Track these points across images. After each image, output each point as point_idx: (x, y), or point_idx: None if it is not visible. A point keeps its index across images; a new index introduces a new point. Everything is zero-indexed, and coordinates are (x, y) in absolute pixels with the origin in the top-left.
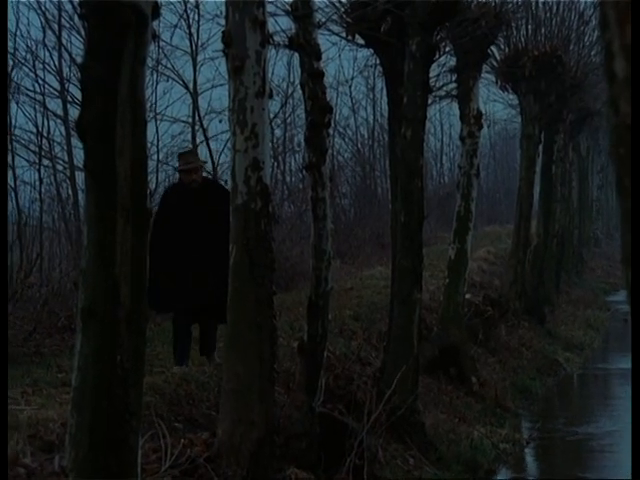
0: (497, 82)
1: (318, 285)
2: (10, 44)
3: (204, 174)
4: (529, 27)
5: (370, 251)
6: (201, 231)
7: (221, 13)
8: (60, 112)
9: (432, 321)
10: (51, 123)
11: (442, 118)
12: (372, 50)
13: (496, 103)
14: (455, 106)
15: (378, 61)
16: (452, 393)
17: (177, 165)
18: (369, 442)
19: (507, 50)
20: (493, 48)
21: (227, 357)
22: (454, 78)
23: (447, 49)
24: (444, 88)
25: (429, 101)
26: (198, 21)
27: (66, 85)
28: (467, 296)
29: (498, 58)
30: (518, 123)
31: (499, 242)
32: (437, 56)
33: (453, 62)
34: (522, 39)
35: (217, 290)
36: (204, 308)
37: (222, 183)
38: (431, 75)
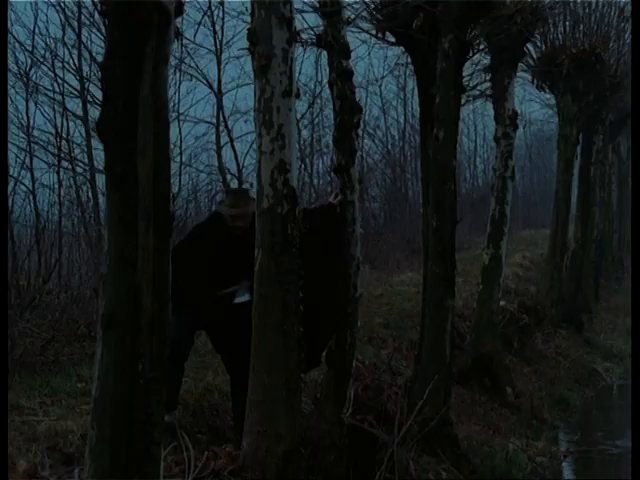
0: (533, 81)
1: (346, 291)
2: (28, 42)
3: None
4: (567, 24)
5: (400, 256)
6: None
7: (246, 10)
8: (80, 112)
9: (465, 329)
10: (70, 124)
11: (476, 118)
12: (403, 48)
13: (532, 103)
14: (489, 106)
15: (409, 59)
16: (486, 404)
17: (225, 206)
18: (400, 455)
19: (544, 48)
20: (529, 46)
21: (252, 366)
22: (488, 77)
23: (481, 47)
24: (478, 87)
25: (462, 101)
26: (223, 18)
27: (86, 84)
28: (502, 303)
29: (534, 56)
30: (555, 124)
31: (535, 247)
32: (471, 54)
33: (487, 60)
34: (560, 36)
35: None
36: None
37: None
38: (464, 74)
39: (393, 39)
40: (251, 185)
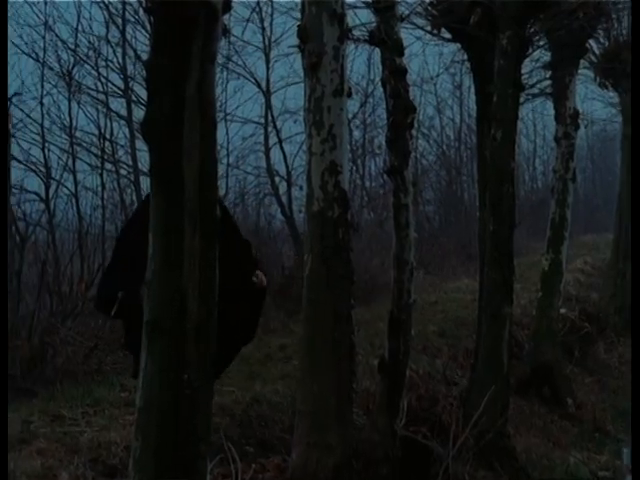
0: (596, 79)
1: (400, 298)
2: (71, 40)
3: None
4: (631, 18)
5: (456, 262)
6: None
7: (296, 6)
8: (124, 112)
9: (524, 338)
10: (114, 124)
11: (535, 118)
12: (459, 45)
13: (594, 101)
14: (549, 105)
15: (465, 57)
16: (545, 415)
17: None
18: (455, 468)
19: (607, 44)
20: (591, 42)
21: (302, 376)
22: (548, 74)
23: (541, 43)
24: (537, 85)
25: (521, 100)
26: (271, 15)
27: (130, 84)
28: (562, 311)
29: (597, 53)
30: (618, 123)
31: (597, 252)
32: (530, 51)
33: (548, 57)
34: (623, 32)
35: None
36: None
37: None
38: (523, 71)
39: (449, 35)
40: (301, 188)
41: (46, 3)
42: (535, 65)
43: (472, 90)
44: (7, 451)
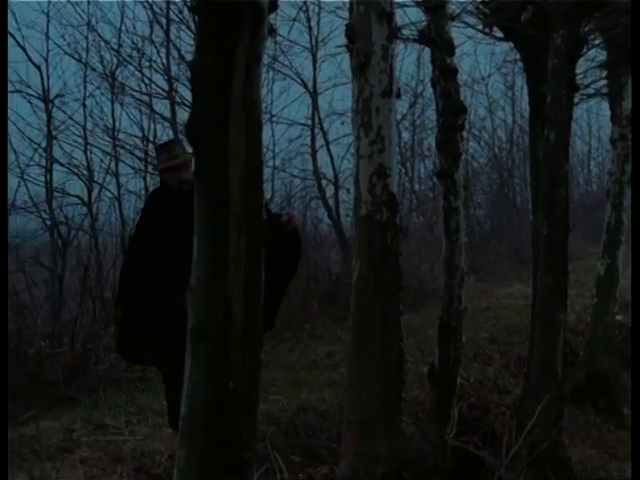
0: None
1: (450, 304)
2: (114, 40)
3: None
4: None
5: (508, 267)
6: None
7: (344, 5)
8: (168, 114)
9: (578, 345)
10: (158, 126)
11: (590, 119)
12: (511, 44)
13: None
14: (605, 105)
15: (518, 56)
16: (601, 425)
17: (161, 163)
18: (508, 479)
19: None
20: None
21: (350, 383)
22: (604, 74)
23: (596, 42)
24: (592, 85)
25: (575, 100)
26: (319, 14)
27: (174, 85)
28: (618, 317)
29: None
30: None
31: None
32: (585, 50)
33: (603, 56)
34: None
35: None
36: None
37: None
38: (578, 71)
39: (501, 34)
40: (348, 191)
41: (89, 3)
42: (590, 65)
43: (525, 90)
44: (7, 451)
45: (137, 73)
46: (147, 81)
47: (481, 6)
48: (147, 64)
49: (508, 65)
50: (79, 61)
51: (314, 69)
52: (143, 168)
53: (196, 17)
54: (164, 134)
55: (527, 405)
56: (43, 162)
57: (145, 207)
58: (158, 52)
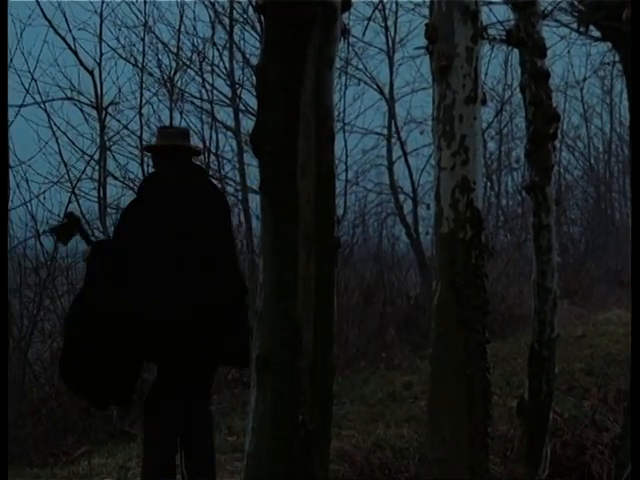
0: None
1: (541, 331)
2: (173, 43)
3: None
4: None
5: (606, 290)
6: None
7: (423, 3)
8: (231, 123)
9: None
10: (220, 136)
11: None
12: (609, 44)
13: None
14: None
15: (617, 57)
16: None
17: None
18: None
19: None
20: None
21: (430, 418)
22: None
23: None
24: None
25: None
26: (396, 13)
27: (238, 91)
28: None
29: None
30: None
31: None
32: None
33: None
34: None
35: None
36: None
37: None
38: None
39: (598, 34)
40: (428, 207)
41: (146, 2)
42: None
43: (624, 95)
44: (7, 451)
45: (197, 78)
46: (208, 87)
47: (576, 3)
48: (208, 68)
49: (606, 68)
50: (135, 65)
51: (391, 73)
52: None
53: (262, 17)
54: (227, 144)
55: (628, 443)
56: (96, 176)
57: (139, 197)
58: (220, 55)
